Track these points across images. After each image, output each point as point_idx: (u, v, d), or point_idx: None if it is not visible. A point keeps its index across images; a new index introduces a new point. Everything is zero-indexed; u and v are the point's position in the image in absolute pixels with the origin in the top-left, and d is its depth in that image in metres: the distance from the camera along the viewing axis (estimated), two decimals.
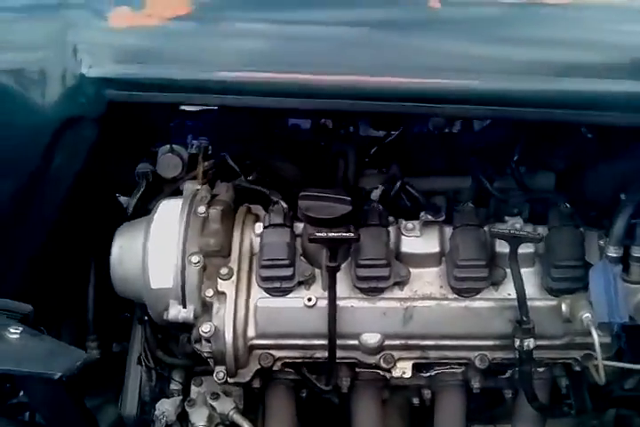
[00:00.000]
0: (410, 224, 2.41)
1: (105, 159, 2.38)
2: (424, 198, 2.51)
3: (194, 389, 2.60)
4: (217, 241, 2.39)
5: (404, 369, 2.43)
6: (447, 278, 2.38)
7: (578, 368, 2.43)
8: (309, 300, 2.34)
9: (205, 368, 2.55)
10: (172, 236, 2.40)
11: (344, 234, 2.20)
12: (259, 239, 2.40)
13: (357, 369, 2.54)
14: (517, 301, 2.24)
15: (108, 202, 2.76)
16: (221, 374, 2.39)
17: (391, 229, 2.42)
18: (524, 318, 2.25)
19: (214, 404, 2.53)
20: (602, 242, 2.26)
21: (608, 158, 2.44)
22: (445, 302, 2.37)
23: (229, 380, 2.40)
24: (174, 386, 2.63)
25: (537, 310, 2.29)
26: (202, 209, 2.41)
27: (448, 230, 2.42)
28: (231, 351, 2.35)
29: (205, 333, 2.32)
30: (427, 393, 2.63)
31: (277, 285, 2.35)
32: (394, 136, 2.65)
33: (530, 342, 2.25)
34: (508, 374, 2.59)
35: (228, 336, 2.34)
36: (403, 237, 2.41)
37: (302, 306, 2.35)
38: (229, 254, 2.41)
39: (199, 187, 2.50)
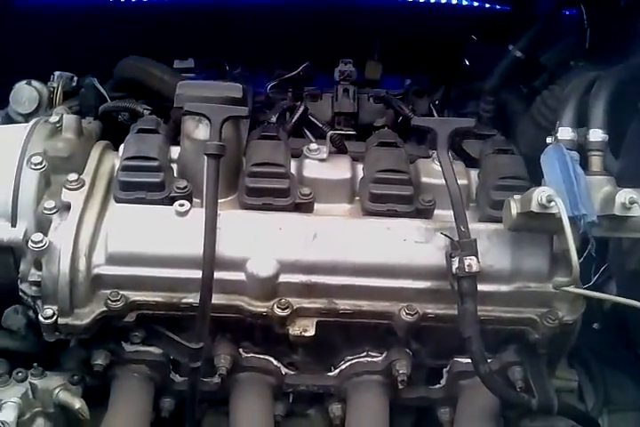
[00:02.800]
0: (314, 144, 1.94)
1: None
2: (329, 128, 2.06)
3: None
4: (67, 147, 1.85)
5: (305, 327, 1.78)
6: (362, 203, 1.86)
7: (536, 336, 1.81)
8: (181, 205, 1.76)
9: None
10: (10, 141, 1.86)
11: (230, 106, 1.72)
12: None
13: (242, 351, 1.89)
14: (452, 207, 1.72)
15: None
16: (49, 312, 1.71)
17: (294, 160, 1.94)
18: (463, 229, 1.71)
19: (36, 381, 1.80)
20: (549, 139, 1.82)
21: None
22: (360, 220, 1.82)
23: (60, 320, 1.71)
24: None
25: (476, 234, 1.76)
26: (54, 118, 1.91)
27: (360, 166, 1.95)
28: (67, 277, 1.70)
29: (36, 246, 1.69)
30: (335, 409, 1.95)
31: (142, 195, 1.79)
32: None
33: (472, 262, 1.68)
34: (443, 382, 1.96)
35: (65, 255, 1.70)
36: (306, 160, 1.92)
37: (171, 215, 1.76)
38: (82, 173, 1.85)
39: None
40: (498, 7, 2.65)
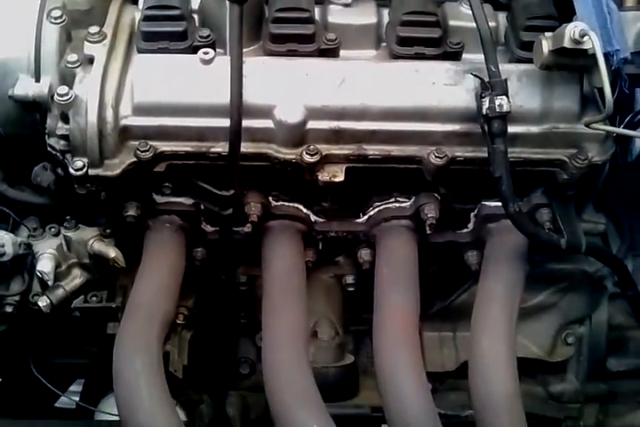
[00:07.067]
0: None
1: None
2: None
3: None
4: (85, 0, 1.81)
5: (334, 173, 1.79)
6: (389, 47, 1.82)
7: (565, 177, 1.82)
8: (206, 53, 1.73)
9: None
10: None
11: None
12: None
13: (271, 199, 1.90)
14: (482, 46, 1.68)
15: None
16: (80, 164, 1.72)
17: (318, 7, 1.89)
18: (493, 69, 1.68)
19: (69, 234, 1.83)
20: None
21: None
22: (388, 63, 1.80)
23: (91, 172, 1.72)
24: (21, 238, 1.89)
25: (506, 75, 1.71)
26: None
27: (386, 11, 1.90)
28: (95, 127, 1.69)
29: (62, 99, 1.67)
30: (364, 254, 1.97)
31: (164, 45, 1.76)
32: None
33: (502, 102, 1.66)
34: (470, 226, 1.98)
35: (92, 106, 1.69)
36: (330, 6, 1.88)
37: (196, 63, 1.74)
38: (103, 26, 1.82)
39: None
40: None
